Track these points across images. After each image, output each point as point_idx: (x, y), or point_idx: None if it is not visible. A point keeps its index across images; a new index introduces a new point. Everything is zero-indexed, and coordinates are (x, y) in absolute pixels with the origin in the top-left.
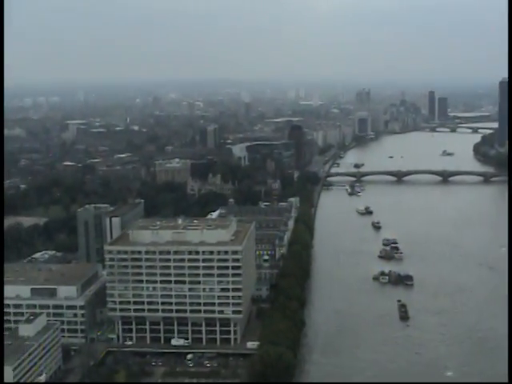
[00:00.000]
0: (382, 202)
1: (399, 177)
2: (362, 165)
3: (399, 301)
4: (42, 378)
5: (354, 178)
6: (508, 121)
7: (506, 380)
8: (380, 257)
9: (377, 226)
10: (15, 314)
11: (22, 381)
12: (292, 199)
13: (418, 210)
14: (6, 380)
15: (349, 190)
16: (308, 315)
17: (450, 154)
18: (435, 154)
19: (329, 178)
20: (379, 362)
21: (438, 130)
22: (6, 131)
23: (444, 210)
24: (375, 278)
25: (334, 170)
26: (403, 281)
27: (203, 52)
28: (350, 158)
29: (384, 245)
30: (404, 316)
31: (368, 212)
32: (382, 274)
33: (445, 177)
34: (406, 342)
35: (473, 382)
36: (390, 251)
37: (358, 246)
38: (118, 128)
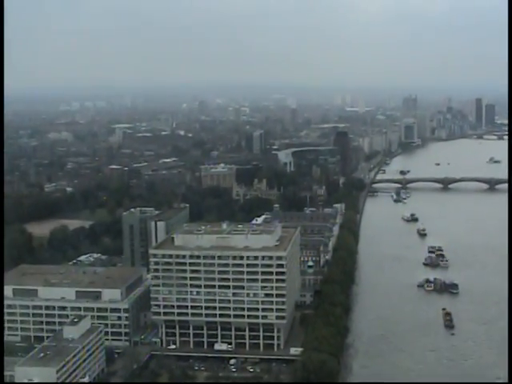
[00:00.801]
0: (427, 209)
1: (445, 184)
2: (408, 171)
3: (444, 309)
4: (85, 381)
5: (399, 185)
6: (508, 125)
7: (506, 380)
8: (425, 264)
9: (422, 234)
10: (60, 315)
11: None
12: (337, 205)
13: (464, 218)
14: (49, 381)
15: (394, 197)
16: (352, 322)
17: (497, 162)
18: (482, 161)
19: (374, 185)
20: (423, 371)
21: (485, 137)
22: (54, 134)
23: (491, 218)
24: (420, 286)
25: (379, 177)
26: (448, 289)
27: (250, 56)
28: (396, 165)
29: (429, 252)
30: (449, 324)
31: (413, 219)
32: (427, 281)
33: (492, 184)
34: (451, 351)
35: (473, 382)
36: (436, 259)
37: (403, 253)
38: (163, 132)
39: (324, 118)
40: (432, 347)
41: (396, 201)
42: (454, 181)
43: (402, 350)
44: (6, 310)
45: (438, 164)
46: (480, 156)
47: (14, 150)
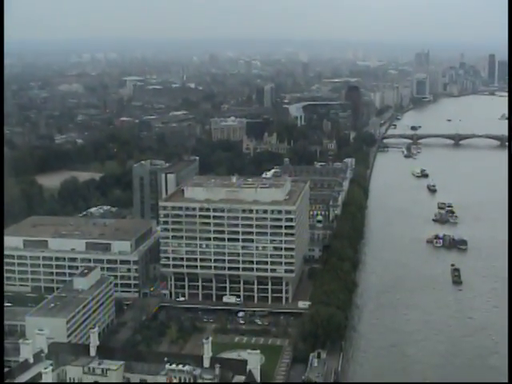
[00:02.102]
0: (438, 165)
1: (457, 140)
2: (419, 127)
3: (452, 265)
4: (95, 331)
5: (410, 141)
6: (508, 83)
7: (506, 380)
8: (434, 220)
9: (432, 189)
10: (70, 267)
11: (75, 334)
12: (347, 160)
13: (474, 174)
14: (59, 331)
15: (405, 153)
16: (360, 276)
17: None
18: (494, 118)
19: (385, 140)
20: (429, 325)
21: (497, 93)
22: (64, 86)
23: (501, 175)
24: (429, 242)
25: (390, 132)
26: (457, 245)
27: (261, 10)
28: (407, 120)
29: (439, 208)
30: (457, 280)
31: (424, 175)
32: (436, 237)
33: (503, 141)
34: (459, 307)
35: (473, 381)
36: (445, 215)
37: (413, 209)
38: (174, 85)
39: (335, 72)
40: (439, 303)
41: (406, 156)
42: (465, 137)
43: (409, 306)
44: (16, 261)
45: (450, 120)
46: (492, 112)
47: (25, 102)
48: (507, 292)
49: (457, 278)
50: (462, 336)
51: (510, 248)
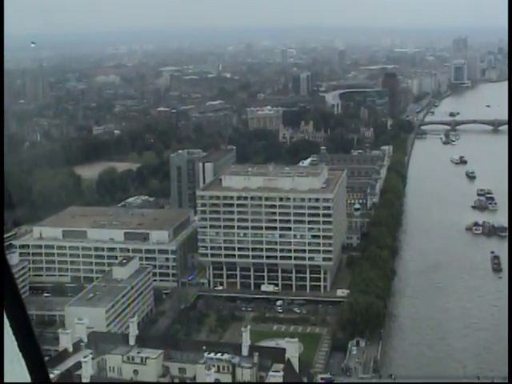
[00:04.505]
0: (477, 152)
1: (496, 126)
2: (458, 113)
3: (492, 252)
4: (134, 320)
5: (448, 127)
6: (508, 90)
7: (506, 380)
8: (474, 207)
9: (471, 176)
10: (109, 257)
11: (114, 323)
12: (385, 147)
13: None
14: (98, 321)
15: (443, 139)
16: (399, 264)
17: None
18: None
19: (423, 127)
20: (470, 313)
21: None
22: (101, 78)
23: None
24: (468, 229)
25: (428, 119)
26: (497, 232)
27: None
28: (445, 107)
29: (478, 195)
30: (497, 268)
31: (462, 161)
32: (476, 224)
33: None
34: (499, 294)
35: (473, 381)
36: (485, 202)
37: (452, 196)
38: (210, 75)
39: (372, 60)
40: (480, 291)
41: (445, 143)
42: (504, 123)
43: (449, 295)
44: (56, 251)
45: (489, 106)
46: None
47: (62, 94)
48: (507, 290)
49: (497, 266)
50: (504, 324)
51: (509, 241)
